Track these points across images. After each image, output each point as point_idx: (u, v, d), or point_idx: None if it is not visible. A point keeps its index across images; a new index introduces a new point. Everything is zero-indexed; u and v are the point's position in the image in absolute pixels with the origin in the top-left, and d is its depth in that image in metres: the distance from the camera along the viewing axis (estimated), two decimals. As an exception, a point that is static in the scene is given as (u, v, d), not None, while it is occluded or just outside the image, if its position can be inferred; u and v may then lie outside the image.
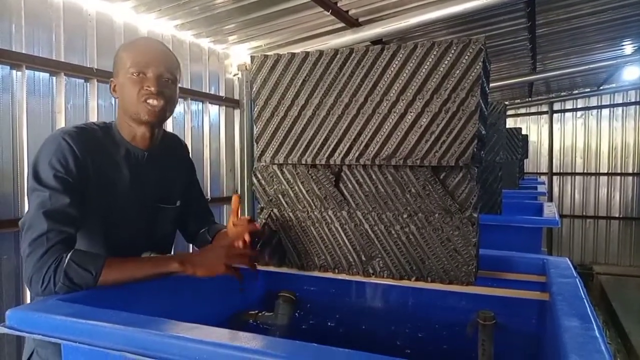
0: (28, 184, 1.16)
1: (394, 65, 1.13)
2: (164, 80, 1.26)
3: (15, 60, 2.43)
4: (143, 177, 1.33)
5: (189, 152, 1.58)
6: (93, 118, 2.90)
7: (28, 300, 2.51)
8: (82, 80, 2.85)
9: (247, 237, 1.24)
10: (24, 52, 2.47)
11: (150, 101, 1.24)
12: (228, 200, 4.21)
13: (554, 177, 8.76)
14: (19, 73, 2.48)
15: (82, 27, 2.84)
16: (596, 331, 0.78)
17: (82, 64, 2.82)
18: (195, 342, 0.75)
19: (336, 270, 1.27)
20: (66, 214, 1.12)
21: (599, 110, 8.37)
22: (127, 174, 1.29)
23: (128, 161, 1.30)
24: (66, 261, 1.05)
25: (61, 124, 2.69)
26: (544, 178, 8.42)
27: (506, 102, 4.18)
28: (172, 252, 1.48)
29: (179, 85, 1.36)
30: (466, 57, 1.07)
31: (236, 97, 4.29)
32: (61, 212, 1.11)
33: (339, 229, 1.25)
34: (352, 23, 3.29)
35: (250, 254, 1.23)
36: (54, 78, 2.68)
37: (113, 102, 3.04)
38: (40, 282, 1.05)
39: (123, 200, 1.28)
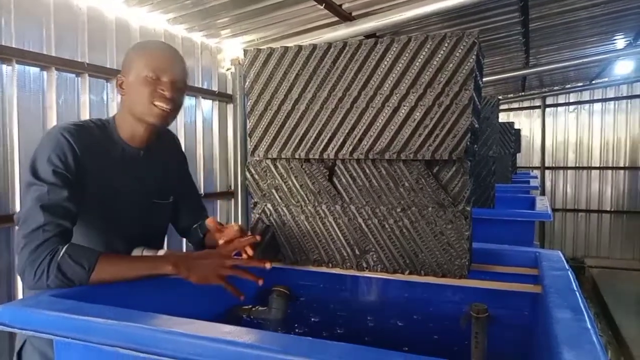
0: (25, 179, 1.16)
1: (388, 59, 1.13)
2: (176, 86, 1.27)
3: (5, 54, 2.40)
4: (139, 174, 1.34)
5: (181, 146, 1.58)
6: (85, 113, 2.87)
7: (20, 297, 2.49)
8: (74, 75, 2.82)
9: (249, 252, 1.26)
10: (14, 46, 2.44)
11: (161, 105, 1.25)
12: (222, 195, 4.20)
13: (547, 171, 8.81)
14: (9, 68, 2.45)
15: (73, 22, 2.80)
16: (588, 323, 0.79)
17: (74, 59, 2.79)
18: (189, 337, 0.75)
19: (330, 265, 1.27)
20: (63, 207, 1.12)
21: (591, 104, 8.41)
22: (124, 171, 1.30)
23: (124, 159, 1.30)
24: (61, 254, 1.05)
25: (52, 119, 2.67)
26: (536, 172, 8.46)
27: (499, 97, 4.21)
28: (165, 246, 1.48)
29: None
30: (460, 51, 1.07)
31: (229, 91, 4.27)
32: (58, 205, 1.12)
33: (333, 223, 1.25)
34: (345, 17, 3.28)
35: (252, 264, 1.23)
36: (45, 73, 2.64)
37: (105, 98, 3.02)
38: (33, 274, 1.04)
39: (119, 197, 1.29)
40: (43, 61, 2.60)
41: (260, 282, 1.21)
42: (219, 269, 1.15)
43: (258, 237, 1.26)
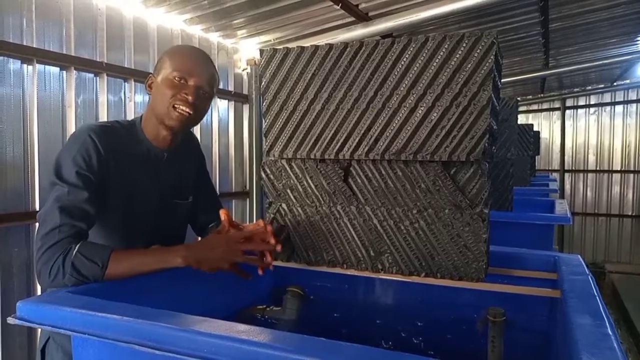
0: (49, 178, 1.17)
1: (405, 59, 1.12)
2: (201, 92, 1.28)
3: (26, 54, 2.44)
4: (162, 175, 1.35)
5: (199, 145, 1.60)
6: (103, 113, 2.91)
7: (39, 293, 2.53)
8: (92, 75, 2.86)
9: (272, 240, 1.21)
10: (34, 46, 2.49)
11: (182, 108, 1.25)
12: (237, 195, 4.22)
13: (566, 174, 8.65)
14: (30, 67, 2.49)
15: (92, 21, 2.84)
16: (608, 328, 0.77)
17: (92, 58, 2.82)
18: (204, 335, 0.75)
19: (345, 266, 1.26)
20: (81, 209, 1.13)
21: (613, 106, 8.24)
22: (147, 172, 1.31)
23: (148, 160, 1.32)
24: (74, 253, 1.06)
25: (71, 118, 2.71)
26: (555, 175, 8.32)
27: (518, 98, 4.15)
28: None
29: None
30: (478, 51, 1.06)
31: (245, 92, 4.29)
32: (76, 207, 1.13)
33: (348, 224, 1.24)
34: (362, 17, 3.27)
35: (266, 249, 1.21)
36: (64, 72, 2.69)
37: (123, 97, 3.06)
38: (48, 273, 1.06)
39: (142, 197, 1.30)
40: (63, 61, 2.64)
41: (260, 272, 1.23)
42: (229, 255, 1.15)
43: (278, 248, 1.22)
